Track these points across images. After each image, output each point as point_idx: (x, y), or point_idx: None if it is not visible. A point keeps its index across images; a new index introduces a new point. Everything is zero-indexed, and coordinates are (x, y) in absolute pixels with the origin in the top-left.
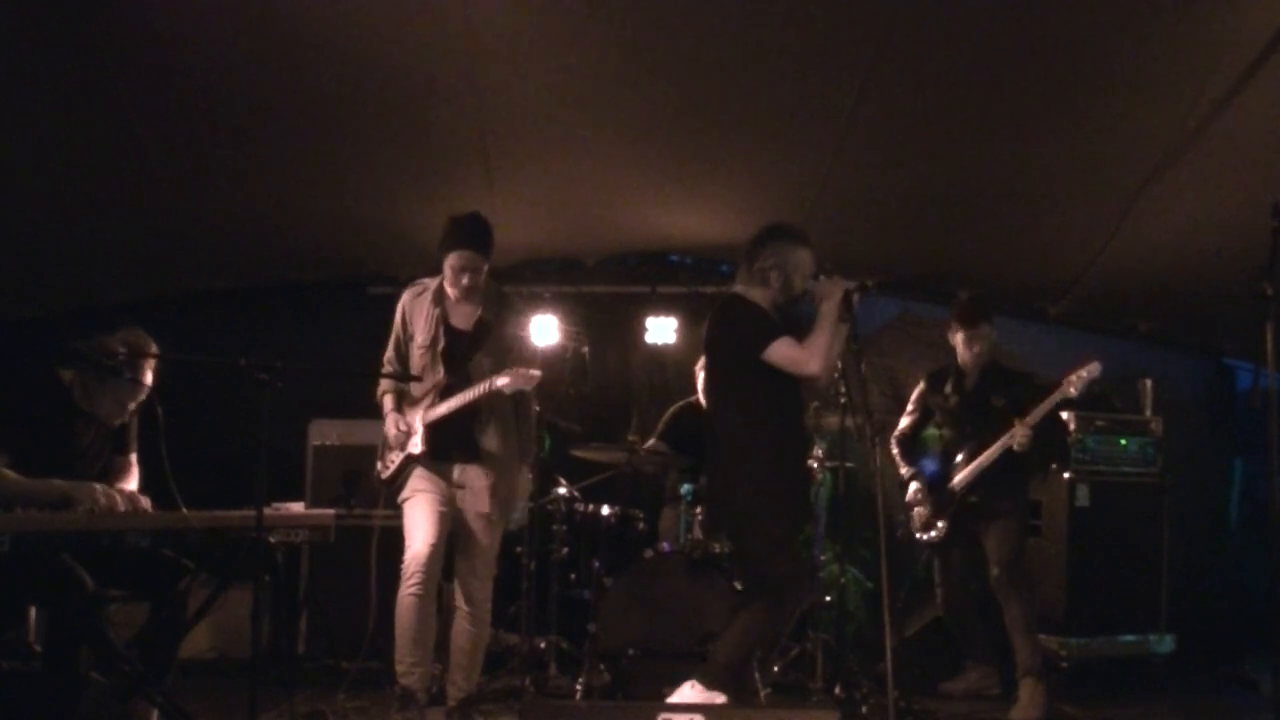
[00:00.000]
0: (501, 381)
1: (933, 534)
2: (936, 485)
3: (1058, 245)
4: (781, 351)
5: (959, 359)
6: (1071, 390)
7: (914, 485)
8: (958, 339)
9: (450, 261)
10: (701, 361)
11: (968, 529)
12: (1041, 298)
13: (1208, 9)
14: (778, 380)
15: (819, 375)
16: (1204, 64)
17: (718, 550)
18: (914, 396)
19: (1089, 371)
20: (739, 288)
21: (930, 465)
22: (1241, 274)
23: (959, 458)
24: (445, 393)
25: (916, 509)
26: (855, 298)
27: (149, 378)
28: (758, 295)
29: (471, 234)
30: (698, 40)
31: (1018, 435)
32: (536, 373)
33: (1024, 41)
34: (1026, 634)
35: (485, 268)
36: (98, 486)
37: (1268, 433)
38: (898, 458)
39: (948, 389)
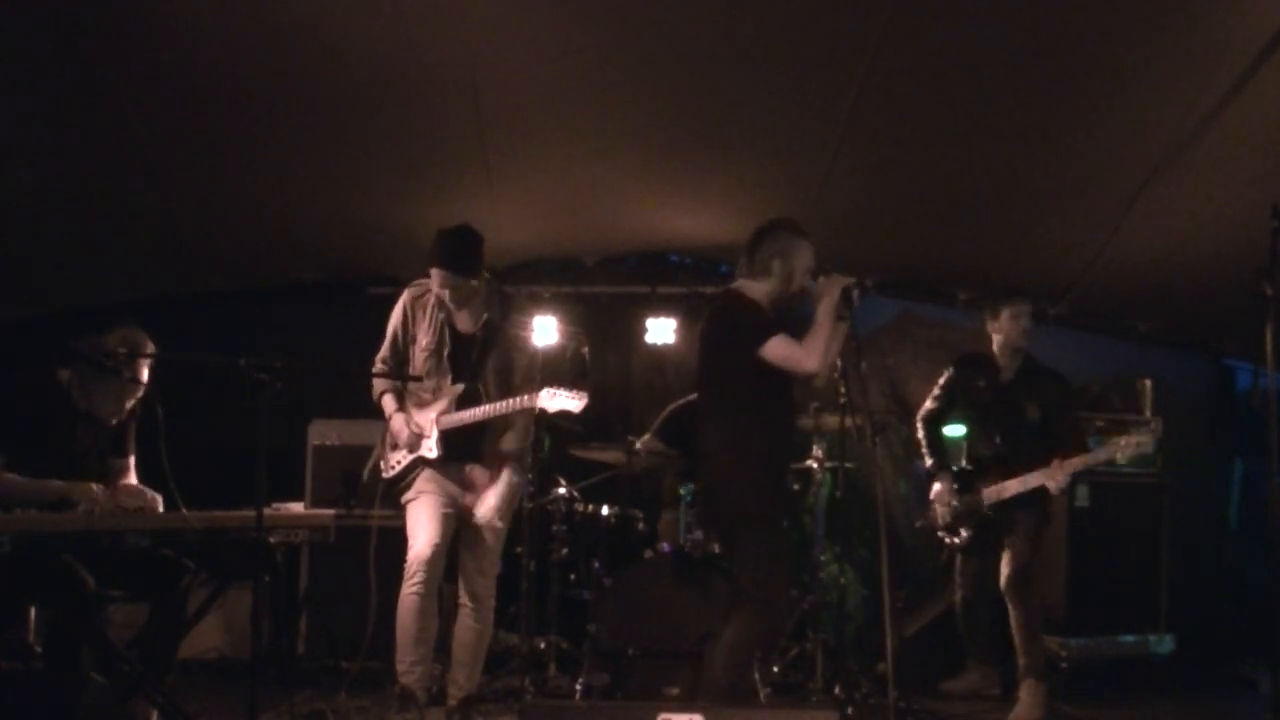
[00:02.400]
0: (546, 403)
1: (957, 540)
2: (963, 488)
3: (1058, 245)
4: (777, 349)
5: (996, 344)
6: (1119, 456)
7: (939, 485)
8: (1003, 315)
9: (432, 276)
10: None
11: (990, 537)
12: (1041, 298)
13: (1208, 9)
14: (770, 381)
15: (816, 374)
16: (1204, 63)
17: (717, 550)
18: (941, 381)
19: (1140, 445)
20: (739, 283)
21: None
22: (1241, 274)
23: (989, 467)
24: (463, 399)
25: (940, 507)
26: (855, 294)
27: (145, 375)
28: (758, 291)
29: (448, 254)
30: (697, 40)
31: (1056, 478)
32: (583, 397)
33: (1025, 41)
34: (1032, 636)
35: (469, 283)
36: (95, 486)
37: (1268, 433)
38: (922, 443)
39: (981, 381)
